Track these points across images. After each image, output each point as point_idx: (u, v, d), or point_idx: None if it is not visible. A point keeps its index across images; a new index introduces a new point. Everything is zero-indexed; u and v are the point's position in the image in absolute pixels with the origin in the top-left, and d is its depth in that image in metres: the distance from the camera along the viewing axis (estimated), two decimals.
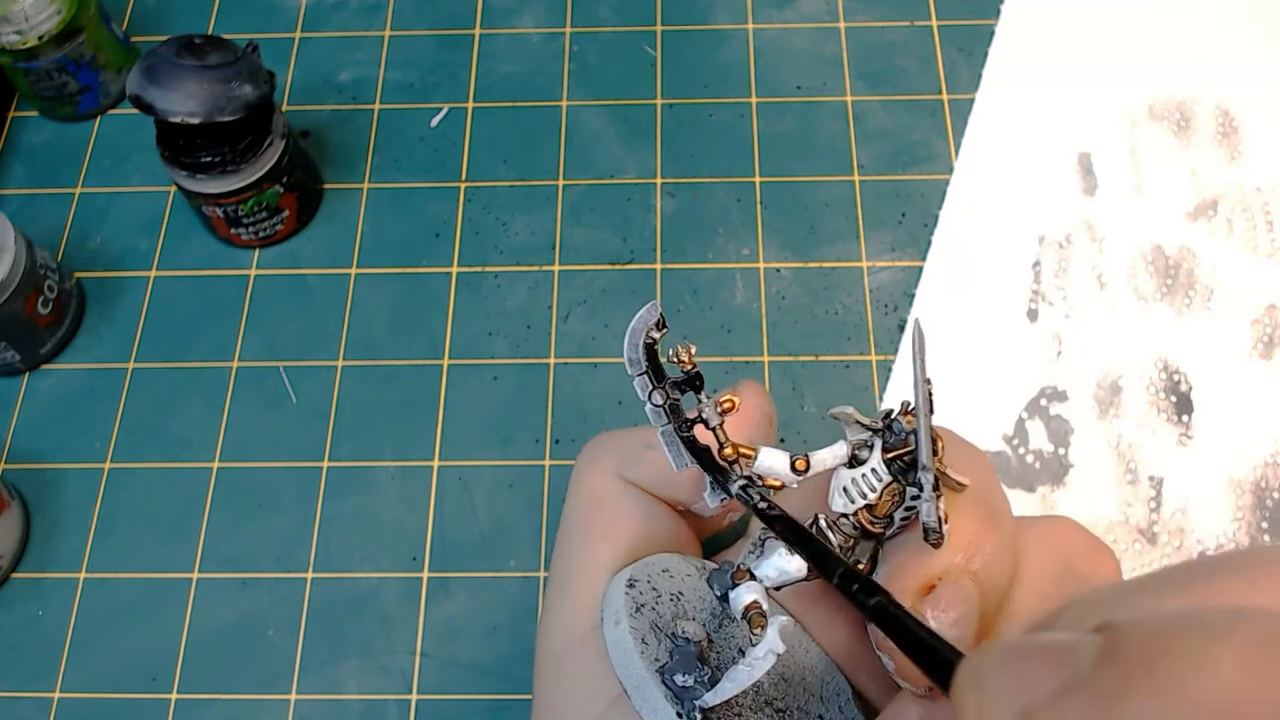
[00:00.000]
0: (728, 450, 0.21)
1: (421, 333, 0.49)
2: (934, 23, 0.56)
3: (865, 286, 0.50)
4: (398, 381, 0.48)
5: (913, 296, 0.49)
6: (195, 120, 0.44)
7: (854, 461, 0.21)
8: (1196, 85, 0.53)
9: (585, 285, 0.50)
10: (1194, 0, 0.55)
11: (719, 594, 0.23)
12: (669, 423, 0.21)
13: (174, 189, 0.53)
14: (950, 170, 0.52)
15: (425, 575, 0.44)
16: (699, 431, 0.21)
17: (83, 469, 0.47)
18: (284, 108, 0.55)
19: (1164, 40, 0.54)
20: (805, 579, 0.21)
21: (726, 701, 0.21)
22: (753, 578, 0.21)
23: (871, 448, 0.21)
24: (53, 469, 0.47)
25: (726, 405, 0.21)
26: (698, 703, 0.21)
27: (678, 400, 0.21)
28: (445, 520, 0.45)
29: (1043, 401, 0.46)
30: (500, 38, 0.57)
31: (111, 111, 0.56)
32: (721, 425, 0.21)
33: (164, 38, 0.46)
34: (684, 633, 0.22)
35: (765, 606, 0.21)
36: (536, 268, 0.51)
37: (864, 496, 0.21)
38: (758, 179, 0.52)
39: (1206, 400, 0.46)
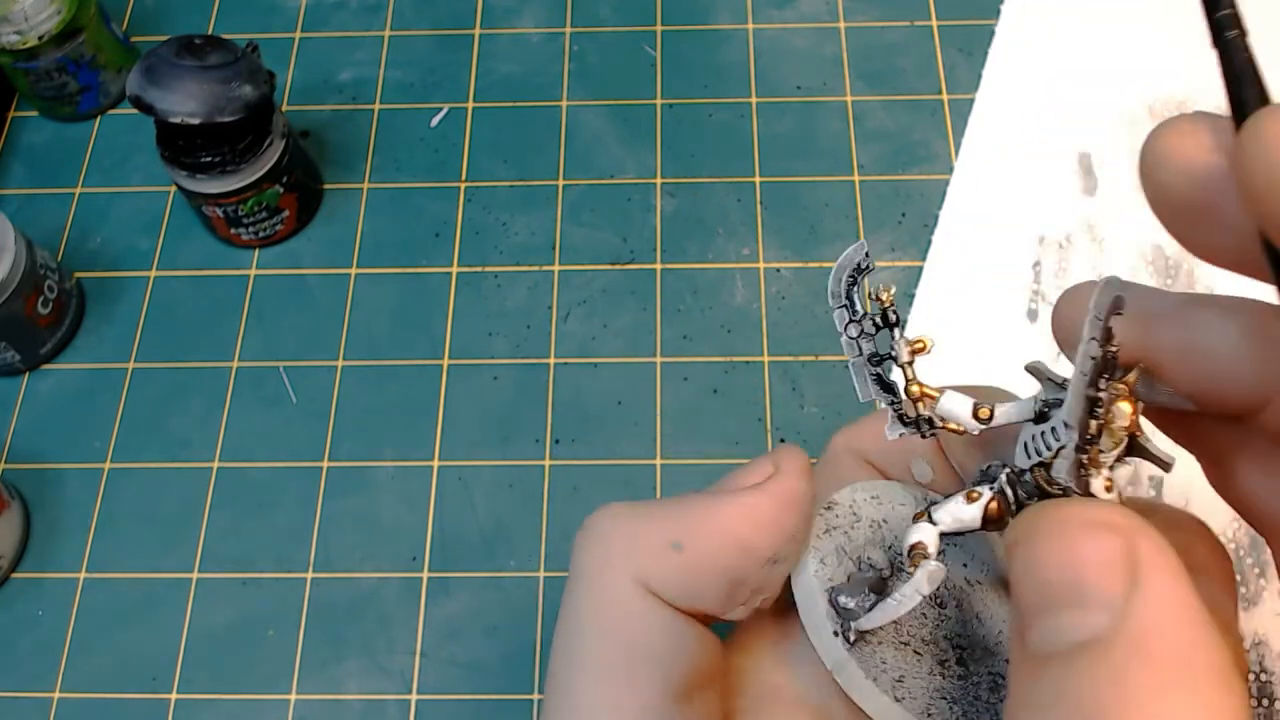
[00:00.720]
0: (914, 389, 0.21)
1: (421, 333, 0.49)
2: (934, 23, 0.56)
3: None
4: (398, 381, 0.48)
5: (913, 296, 0.49)
6: (195, 121, 0.44)
7: (1040, 418, 0.20)
8: (1196, 85, 0.53)
9: (585, 285, 0.50)
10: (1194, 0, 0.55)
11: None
12: (860, 354, 0.22)
13: (174, 189, 0.53)
14: (950, 170, 0.52)
15: (425, 575, 0.44)
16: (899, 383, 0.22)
17: (83, 469, 0.47)
18: (284, 108, 0.55)
19: (1163, 40, 0.54)
20: (981, 529, 0.21)
21: (874, 632, 0.22)
22: (931, 521, 0.21)
23: (1062, 404, 0.20)
24: (53, 469, 0.47)
25: (919, 346, 0.22)
26: (853, 623, 0.22)
27: (871, 335, 0.22)
28: (445, 520, 0.45)
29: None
30: (500, 38, 0.57)
31: (111, 111, 0.56)
32: (911, 363, 0.22)
33: (164, 38, 0.46)
34: (868, 559, 0.23)
35: (932, 549, 0.21)
36: (536, 268, 0.51)
37: (1039, 454, 0.20)
38: (758, 179, 0.52)
39: None
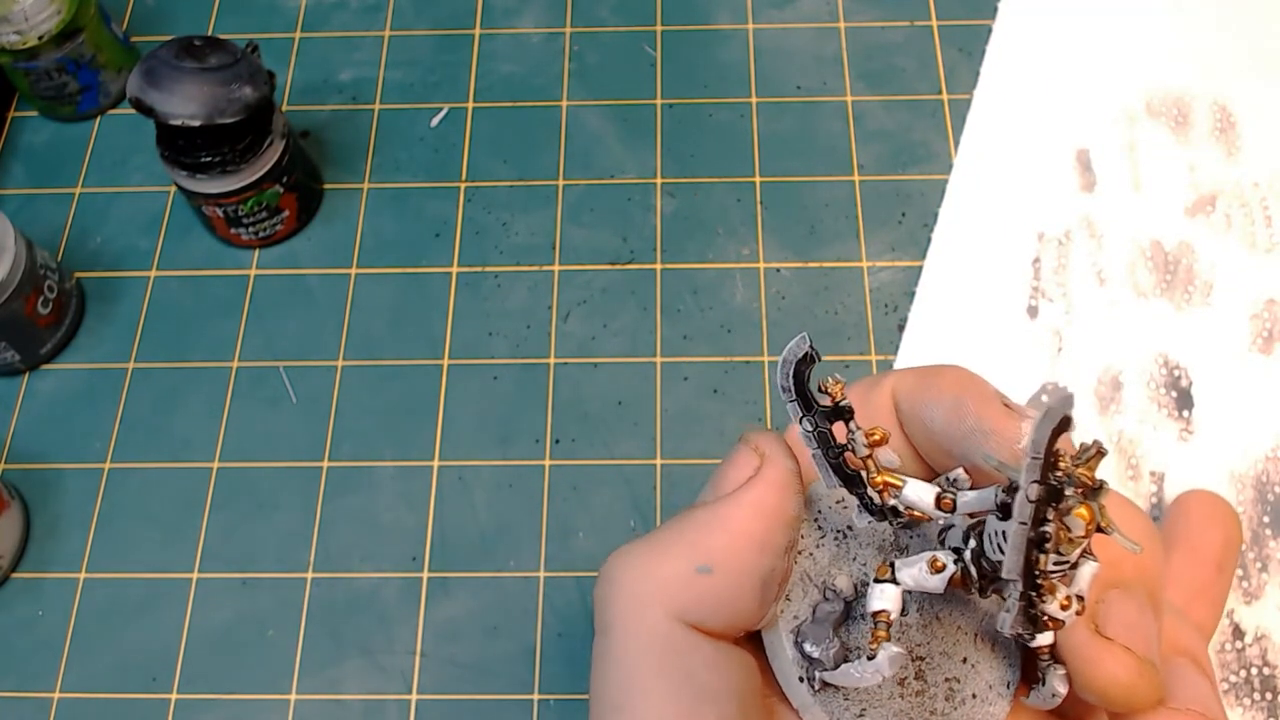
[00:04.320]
0: (877, 479, 0.21)
1: (421, 333, 0.49)
2: (934, 23, 0.56)
3: (865, 286, 0.50)
4: (398, 381, 0.48)
5: (913, 296, 0.49)
6: (196, 123, 0.44)
7: (1004, 509, 0.19)
8: (1194, 81, 0.53)
9: (585, 285, 0.50)
10: None
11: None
12: (818, 448, 0.21)
13: (174, 189, 0.53)
14: (950, 170, 0.52)
15: (425, 575, 0.44)
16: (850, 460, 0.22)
17: (83, 469, 0.47)
18: (284, 108, 0.55)
19: (1161, 36, 0.54)
20: (941, 592, 0.21)
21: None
22: (894, 579, 0.21)
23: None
24: (53, 469, 0.47)
25: (875, 437, 0.21)
26: (818, 673, 0.22)
27: (827, 429, 0.21)
28: (445, 520, 0.45)
29: (1044, 398, 0.46)
30: (500, 38, 0.57)
31: (111, 111, 0.56)
32: (870, 455, 0.21)
33: (164, 38, 0.46)
34: (833, 585, 0.22)
35: (895, 612, 0.21)
36: (536, 268, 0.51)
37: (1000, 551, 0.19)
38: (758, 179, 0.52)
39: (1207, 395, 0.46)
